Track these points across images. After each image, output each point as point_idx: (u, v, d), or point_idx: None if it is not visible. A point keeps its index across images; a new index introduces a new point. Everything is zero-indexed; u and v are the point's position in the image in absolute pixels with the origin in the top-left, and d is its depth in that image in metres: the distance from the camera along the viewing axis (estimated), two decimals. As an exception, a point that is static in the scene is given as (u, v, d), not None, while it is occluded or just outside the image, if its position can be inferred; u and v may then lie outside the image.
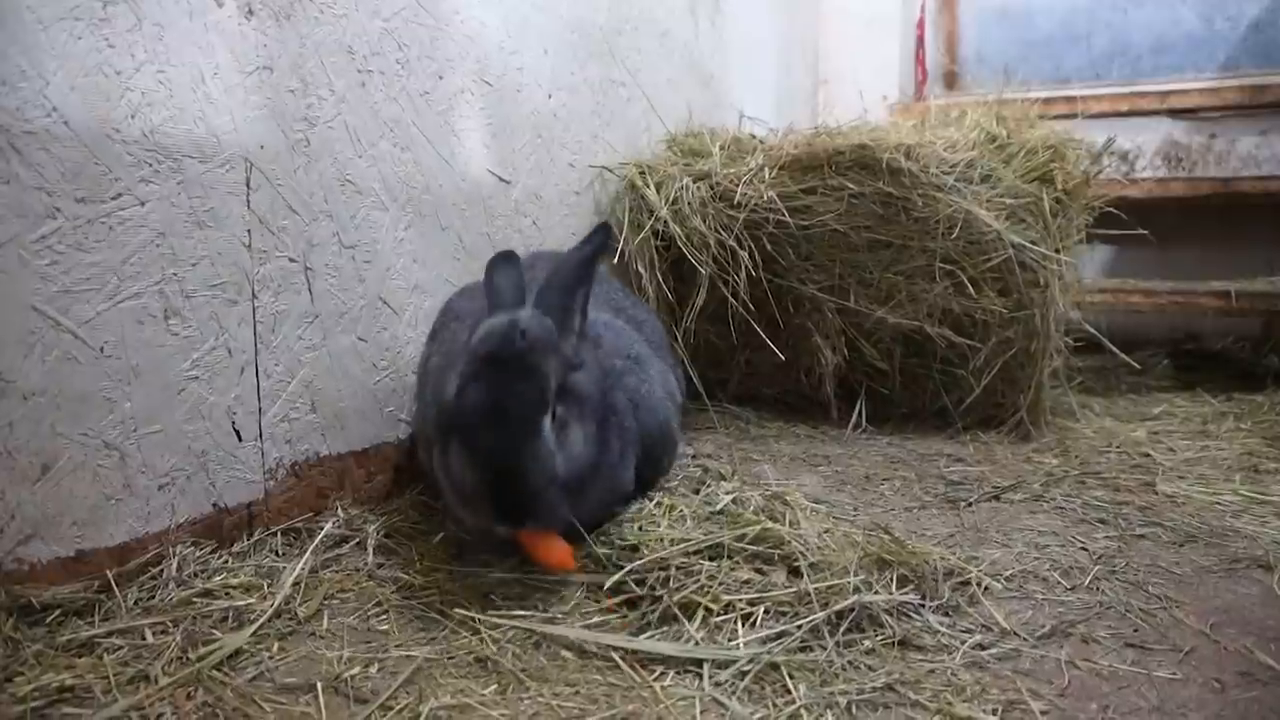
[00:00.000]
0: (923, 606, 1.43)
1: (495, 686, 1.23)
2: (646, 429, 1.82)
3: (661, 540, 1.60)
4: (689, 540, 1.58)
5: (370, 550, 1.70)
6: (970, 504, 2.02)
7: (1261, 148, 3.94)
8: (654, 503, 1.83)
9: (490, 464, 1.43)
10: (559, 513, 1.49)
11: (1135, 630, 1.41)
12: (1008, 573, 1.60)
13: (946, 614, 1.43)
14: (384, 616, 1.46)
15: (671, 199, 2.71)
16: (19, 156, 1.35)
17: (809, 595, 1.40)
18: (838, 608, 1.37)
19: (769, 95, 4.10)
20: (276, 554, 1.69)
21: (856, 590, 1.42)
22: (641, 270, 2.74)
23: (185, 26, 1.57)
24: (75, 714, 1.14)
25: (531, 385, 1.46)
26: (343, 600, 1.52)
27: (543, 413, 1.46)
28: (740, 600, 1.41)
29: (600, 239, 1.64)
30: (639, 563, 1.51)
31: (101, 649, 1.30)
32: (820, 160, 2.61)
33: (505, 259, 1.72)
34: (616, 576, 1.50)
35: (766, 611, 1.39)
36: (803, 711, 1.16)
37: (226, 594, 1.49)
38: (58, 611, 1.38)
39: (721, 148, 2.89)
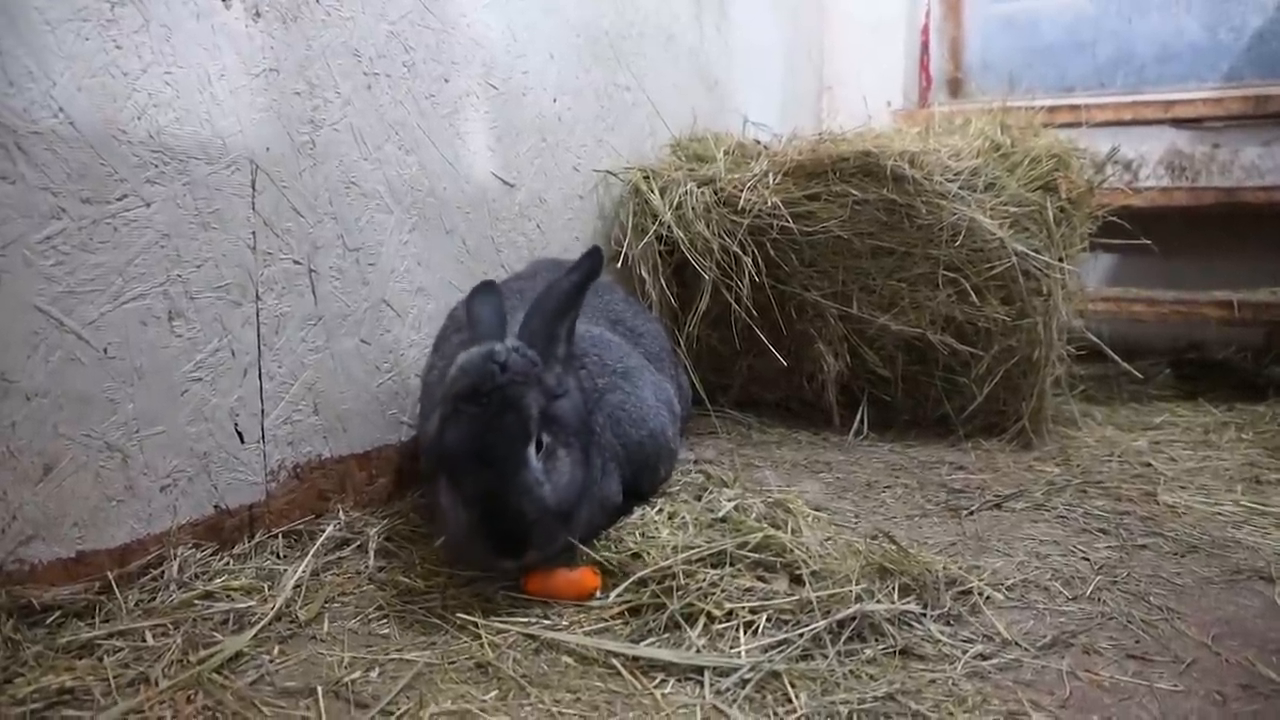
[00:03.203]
0: (924, 616, 1.42)
1: (496, 692, 1.23)
2: (634, 441, 1.82)
3: (664, 548, 1.60)
4: (692, 548, 1.58)
5: (371, 553, 1.70)
6: (972, 512, 2.01)
7: (1265, 158, 3.94)
8: (655, 509, 1.84)
9: (479, 501, 1.44)
10: (556, 540, 1.51)
11: (1137, 641, 1.40)
12: (1009, 582, 1.60)
13: (948, 623, 1.43)
14: (385, 620, 1.46)
15: (675, 204, 2.71)
16: (25, 157, 1.35)
17: (811, 603, 1.40)
18: (839, 616, 1.37)
19: (774, 100, 4.11)
20: (278, 556, 1.69)
21: (858, 599, 1.41)
22: (645, 275, 2.74)
23: (192, 28, 1.57)
24: (75, 716, 1.14)
25: (512, 418, 1.45)
26: (343, 604, 1.52)
27: (526, 444, 1.45)
28: (742, 608, 1.40)
29: (588, 266, 1.62)
30: (646, 571, 1.51)
31: (102, 651, 1.30)
32: (824, 166, 2.61)
33: (486, 288, 1.71)
34: (622, 586, 1.50)
35: (768, 619, 1.39)
36: (804, 721, 1.16)
37: (227, 596, 1.49)
38: (58, 613, 1.38)
39: (726, 153, 2.89)
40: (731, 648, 1.32)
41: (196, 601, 1.46)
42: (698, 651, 1.31)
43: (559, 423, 1.53)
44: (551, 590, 1.50)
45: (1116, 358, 2.74)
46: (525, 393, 1.47)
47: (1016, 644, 1.37)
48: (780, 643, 1.33)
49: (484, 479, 1.43)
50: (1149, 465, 2.38)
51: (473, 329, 1.64)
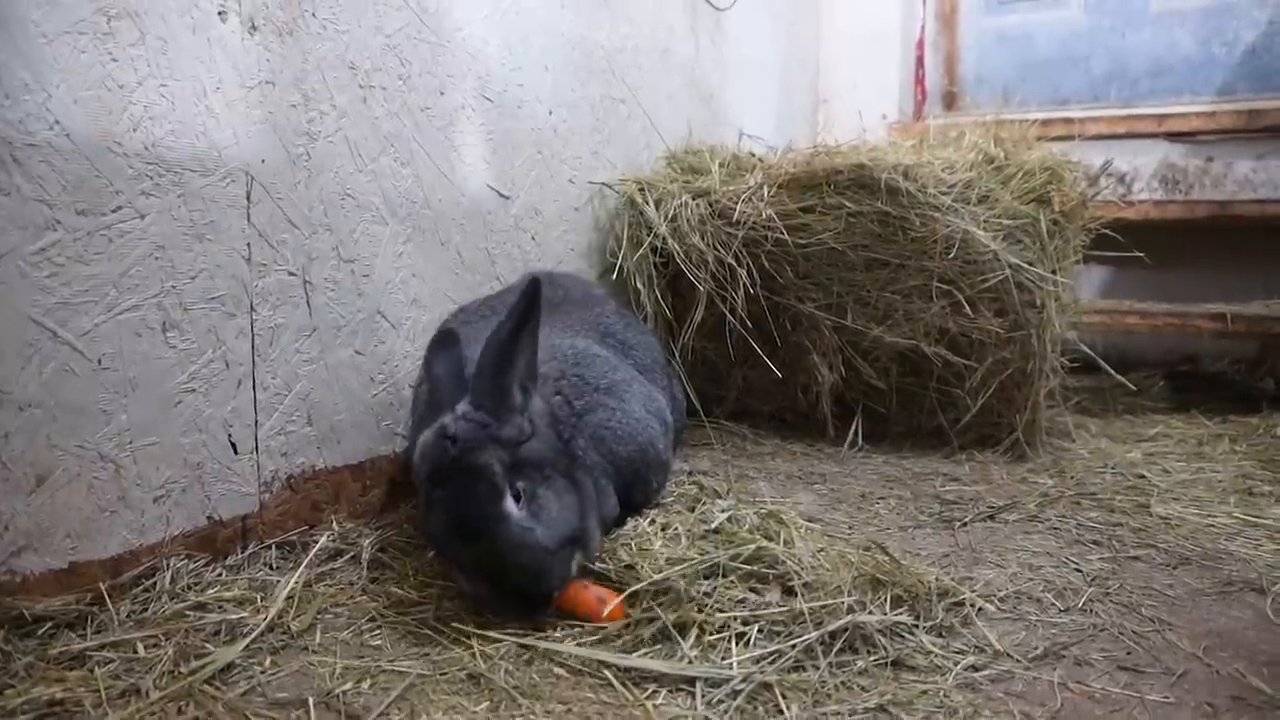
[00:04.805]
0: (916, 627, 1.43)
1: (488, 704, 1.23)
2: (623, 458, 1.82)
3: (657, 560, 1.60)
4: (686, 560, 1.58)
5: (364, 564, 1.70)
6: (965, 524, 2.02)
7: (1258, 171, 3.96)
8: (649, 521, 1.83)
9: (480, 571, 1.45)
10: (570, 573, 1.50)
11: (1128, 653, 1.41)
12: (1001, 594, 1.60)
13: (940, 635, 1.43)
14: (377, 631, 1.46)
15: (670, 216, 2.72)
16: (20, 169, 1.36)
17: (803, 615, 1.40)
18: (831, 628, 1.37)
19: (769, 113, 4.12)
20: (270, 567, 1.69)
21: (850, 610, 1.42)
22: (640, 286, 2.74)
23: (188, 41, 1.58)
24: (65, 727, 1.14)
25: (476, 482, 1.44)
26: (336, 614, 1.52)
27: (498, 501, 1.44)
28: (734, 619, 1.40)
29: (520, 309, 1.52)
30: (639, 585, 1.50)
31: (93, 662, 1.30)
32: (819, 179, 2.62)
33: (441, 343, 1.70)
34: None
35: (760, 630, 1.39)
36: (795, 732, 1.16)
37: (219, 607, 1.49)
38: (49, 624, 1.38)
39: (721, 165, 2.90)
40: (723, 659, 1.32)
41: (189, 612, 1.46)
42: (690, 663, 1.31)
43: (531, 464, 1.52)
44: (592, 614, 1.46)
45: (1110, 370, 2.75)
46: (481, 454, 1.46)
47: (1008, 655, 1.37)
48: (772, 654, 1.33)
49: (475, 551, 1.44)
50: (1142, 477, 2.38)
51: (432, 394, 1.64)
